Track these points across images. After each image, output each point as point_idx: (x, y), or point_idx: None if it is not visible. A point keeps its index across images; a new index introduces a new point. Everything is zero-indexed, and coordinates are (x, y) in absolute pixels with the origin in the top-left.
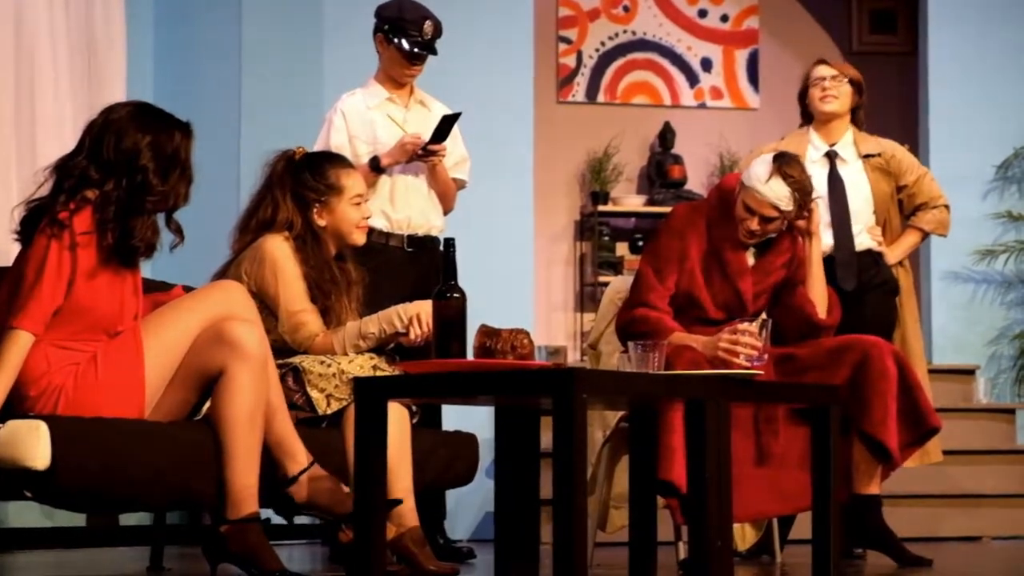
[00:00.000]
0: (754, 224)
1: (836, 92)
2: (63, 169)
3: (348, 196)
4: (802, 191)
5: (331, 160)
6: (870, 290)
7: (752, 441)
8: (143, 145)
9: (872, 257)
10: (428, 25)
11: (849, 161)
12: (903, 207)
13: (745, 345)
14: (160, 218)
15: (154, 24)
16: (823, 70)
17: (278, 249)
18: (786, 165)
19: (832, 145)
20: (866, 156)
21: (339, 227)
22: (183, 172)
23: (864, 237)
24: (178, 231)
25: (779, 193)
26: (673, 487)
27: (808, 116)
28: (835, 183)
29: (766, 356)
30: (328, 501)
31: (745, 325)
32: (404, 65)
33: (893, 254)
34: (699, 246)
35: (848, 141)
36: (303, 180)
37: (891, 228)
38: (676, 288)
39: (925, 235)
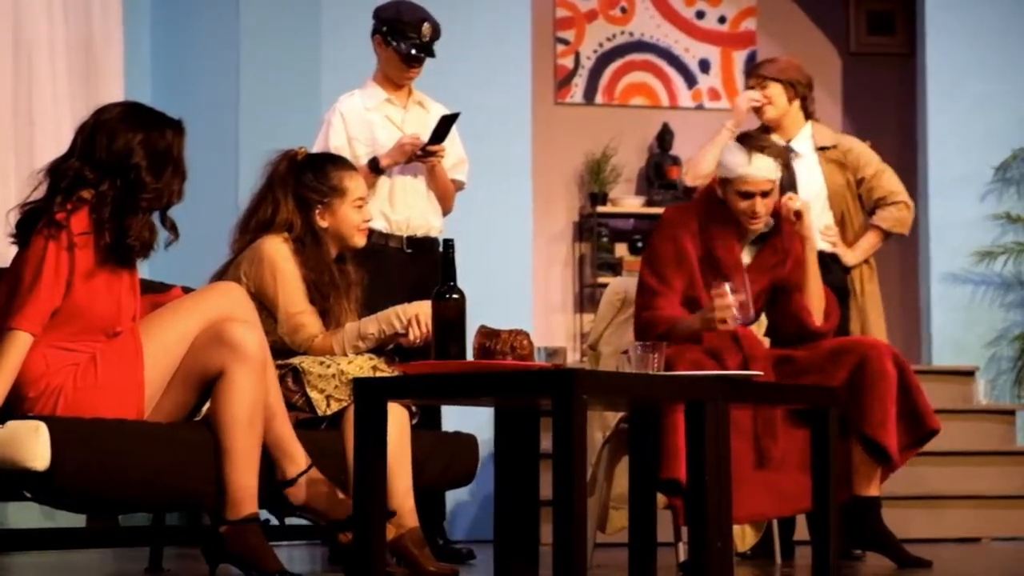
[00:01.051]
0: (757, 205)
1: (765, 100)
2: (57, 171)
3: (351, 198)
4: (781, 154)
5: (334, 162)
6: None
7: (751, 444)
8: (135, 143)
9: (822, 260)
10: (427, 27)
11: (804, 155)
12: (863, 203)
13: (723, 308)
14: (156, 217)
15: (151, 23)
16: (751, 82)
17: (276, 250)
18: (756, 140)
19: (788, 141)
20: (821, 148)
21: (340, 229)
22: (176, 169)
23: (815, 238)
24: (173, 228)
25: (767, 166)
26: (678, 485)
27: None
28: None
29: (752, 312)
30: (324, 505)
31: (716, 290)
32: (402, 67)
33: (853, 255)
34: (694, 246)
35: (805, 135)
36: (306, 181)
37: (849, 222)
38: (680, 287)
39: (886, 235)
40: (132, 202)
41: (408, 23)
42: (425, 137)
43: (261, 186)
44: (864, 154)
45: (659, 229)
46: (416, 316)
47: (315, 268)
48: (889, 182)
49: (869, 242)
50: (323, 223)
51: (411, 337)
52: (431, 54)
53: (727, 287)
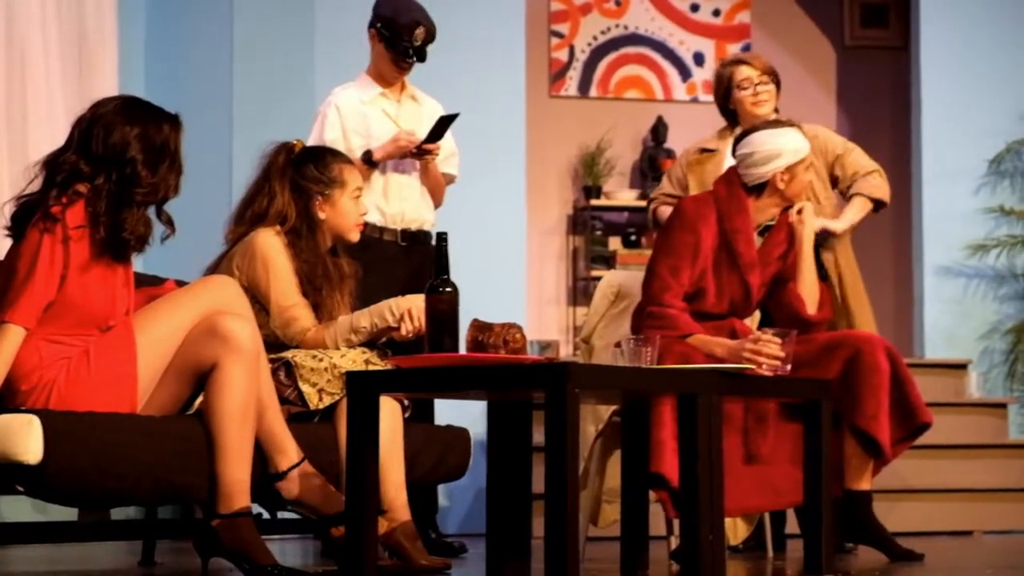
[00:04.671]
0: (812, 174)
1: (767, 95)
2: (53, 164)
3: (350, 189)
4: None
5: (333, 154)
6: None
7: (741, 439)
8: (131, 138)
9: None
10: (420, 31)
11: None
12: (839, 184)
13: (767, 355)
14: (151, 211)
15: (145, 16)
16: (748, 71)
17: (269, 244)
18: (781, 121)
19: None
20: None
21: (338, 222)
22: (172, 163)
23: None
24: (169, 223)
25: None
26: (663, 480)
27: (731, 116)
28: None
29: (789, 366)
30: (316, 499)
31: (768, 335)
32: (391, 66)
33: (839, 224)
34: (711, 238)
35: None
36: (306, 172)
37: (818, 209)
38: (688, 283)
39: (874, 204)
40: (127, 196)
41: (403, 25)
42: (420, 132)
43: (257, 177)
44: (831, 137)
45: (679, 220)
46: (408, 310)
47: (308, 259)
48: (861, 156)
49: (853, 210)
50: (322, 214)
51: (403, 331)
52: (422, 58)
53: (777, 337)
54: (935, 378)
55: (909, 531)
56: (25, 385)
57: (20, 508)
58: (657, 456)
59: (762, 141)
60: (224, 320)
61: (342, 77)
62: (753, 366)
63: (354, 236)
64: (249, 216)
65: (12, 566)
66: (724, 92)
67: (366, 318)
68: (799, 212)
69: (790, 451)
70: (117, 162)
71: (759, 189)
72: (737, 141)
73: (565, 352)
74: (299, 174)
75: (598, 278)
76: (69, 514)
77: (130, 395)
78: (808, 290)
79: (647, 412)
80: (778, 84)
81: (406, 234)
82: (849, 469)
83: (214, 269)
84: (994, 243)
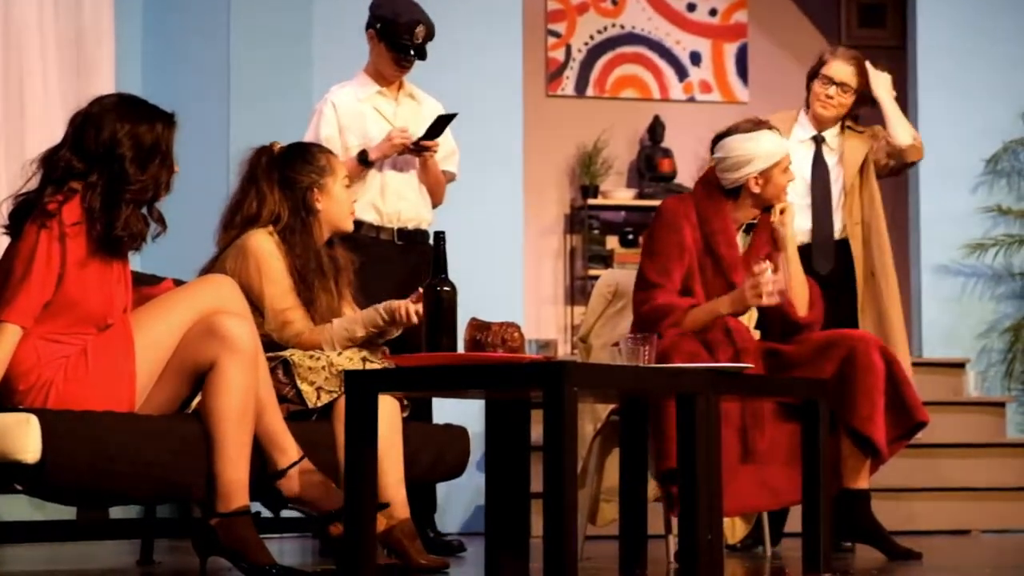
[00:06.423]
0: (791, 173)
1: (837, 102)
2: (49, 162)
3: (340, 177)
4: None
5: (316, 146)
6: (853, 278)
7: (738, 438)
8: (121, 135)
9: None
10: (420, 29)
11: (835, 148)
12: (888, 157)
13: (768, 282)
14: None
15: (143, 14)
16: (840, 71)
17: (262, 246)
18: (760, 123)
19: (820, 131)
20: (848, 128)
21: (335, 210)
22: (163, 162)
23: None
24: (160, 220)
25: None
26: (676, 475)
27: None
28: (819, 167)
29: (787, 291)
30: (317, 496)
31: (760, 267)
32: (392, 66)
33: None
34: (694, 237)
35: (837, 130)
36: (296, 167)
37: (855, 199)
38: (680, 280)
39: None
40: (118, 194)
41: (403, 25)
42: (416, 130)
43: (242, 182)
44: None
45: (660, 220)
46: (396, 307)
47: (302, 255)
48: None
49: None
50: (319, 205)
51: (400, 315)
52: (422, 56)
53: (767, 266)
54: (933, 377)
55: (907, 530)
56: (23, 384)
57: (18, 507)
58: (667, 452)
59: (734, 146)
60: (222, 319)
61: (340, 75)
62: (763, 299)
63: (348, 225)
64: (239, 221)
65: (11, 565)
66: (812, 71)
67: (360, 328)
68: (781, 212)
69: (786, 451)
70: (108, 159)
71: (735, 192)
72: (714, 143)
73: (563, 351)
74: (289, 170)
75: (596, 277)
76: (67, 513)
77: (128, 394)
78: (797, 291)
79: (645, 411)
80: (862, 98)
81: (403, 233)
82: (846, 468)
83: (207, 271)
84: (991, 242)
